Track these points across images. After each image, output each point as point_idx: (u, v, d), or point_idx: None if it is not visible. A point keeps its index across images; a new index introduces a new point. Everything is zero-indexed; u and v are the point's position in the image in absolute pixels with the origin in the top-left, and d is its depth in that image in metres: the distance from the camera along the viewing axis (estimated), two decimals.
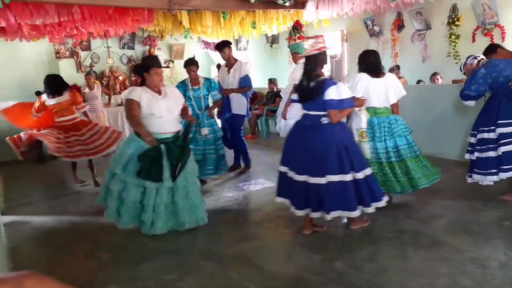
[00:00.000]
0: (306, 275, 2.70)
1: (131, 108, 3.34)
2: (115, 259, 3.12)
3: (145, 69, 3.45)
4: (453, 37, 6.63)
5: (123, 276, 2.81)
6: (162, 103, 3.39)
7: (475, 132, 3.86)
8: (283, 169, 3.30)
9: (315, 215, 3.16)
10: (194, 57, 5.38)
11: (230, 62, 5.44)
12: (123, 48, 8.79)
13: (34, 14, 4.97)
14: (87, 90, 7.22)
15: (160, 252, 3.22)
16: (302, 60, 5.30)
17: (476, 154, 3.80)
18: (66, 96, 5.02)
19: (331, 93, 3.03)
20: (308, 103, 3.17)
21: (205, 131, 4.78)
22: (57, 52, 7.98)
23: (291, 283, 2.63)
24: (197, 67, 4.92)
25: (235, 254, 3.08)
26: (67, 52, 8.06)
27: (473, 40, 6.44)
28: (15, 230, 3.85)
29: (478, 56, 4.05)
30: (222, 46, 5.38)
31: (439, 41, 6.92)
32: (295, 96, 3.40)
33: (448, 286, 2.46)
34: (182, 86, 4.89)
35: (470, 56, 4.16)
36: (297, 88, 3.34)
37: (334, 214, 3.08)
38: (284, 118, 5.09)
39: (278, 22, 7.35)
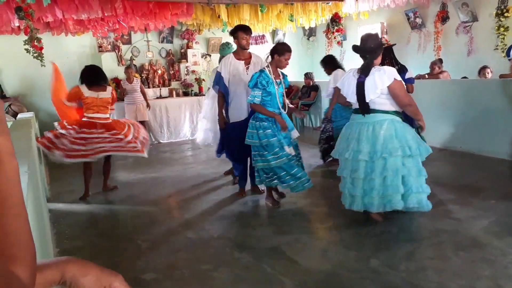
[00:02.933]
0: (341, 271, 2.68)
1: None
2: (153, 247, 3.22)
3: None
4: (502, 29, 6.29)
5: (161, 265, 2.89)
6: None
7: None
8: None
9: None
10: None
11: (247, 55, 4.17)
12: (162, 42, 8.97)
13: (79, 9, 5.17)
14: (128, 85, 7.42)
15: (196, 242, 3.29)
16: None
17: None
18: (108, 93, 4.58)
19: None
20: None
21: (296, 133, 3.82)
22: (100, 46, 8.26)
23: (325, 279, 2.62)
24: None
25: (269, 248, 3.10)
26: (109, 46, 8.33)
27: None
28: (60, 217, 4.06)
29: None
30: (249, 30, 4.08)
31: (486, 34, 6.59)
32: None
33: None
34: (264, 77, 3.60)
35: None
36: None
37: None
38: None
39: (317, 15, 7.26)
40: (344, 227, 3.42)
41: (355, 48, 3.39)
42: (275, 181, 3.80)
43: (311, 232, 3.35)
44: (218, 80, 4.13)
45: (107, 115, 4.61)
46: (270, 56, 3.74)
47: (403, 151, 3.16)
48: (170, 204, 4.43)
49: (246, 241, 3.24)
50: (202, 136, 5.34)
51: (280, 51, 3.62)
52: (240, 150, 4.08)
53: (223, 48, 4.88)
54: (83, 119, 4.52)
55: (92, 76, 4.52)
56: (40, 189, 3.16)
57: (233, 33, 4.09)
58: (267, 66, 3.70)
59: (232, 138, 4.18)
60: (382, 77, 3.18)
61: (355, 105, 3.39)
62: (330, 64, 5.35)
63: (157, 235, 3.48)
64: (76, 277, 0.67)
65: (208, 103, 5.11)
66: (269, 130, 3.64)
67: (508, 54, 3.88)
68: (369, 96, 3.23)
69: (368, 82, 3.22)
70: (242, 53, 4.11)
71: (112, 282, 0.70)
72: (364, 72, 3.26)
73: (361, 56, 3.34)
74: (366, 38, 3.34)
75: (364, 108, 3.28)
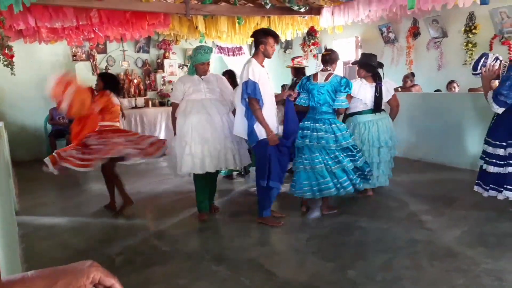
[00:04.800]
0: (319, 283, 2.68)
1: None
2: (128, 261, 3.14)
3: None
4: (470, 45, 6.55)
5: (136, 280, 2.82)
6: None
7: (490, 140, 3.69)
8: None
9: None
10: None
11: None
12: (138, 51, 8.89)
13: (53, 17, 5.07)
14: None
15: (172, 255, 3.23)
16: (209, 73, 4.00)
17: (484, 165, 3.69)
18: (118, 100, 4.48)
19: None
20: None
21: None
22: (74, 55, 8.10)
23: None
24: None
25: (247, 260, 3.07)
26: (84, 55, 8.19)
27: (490, 49, 6.35)
28: (29, 231, 3.90)
29: (500, 56, 3.68)
30: (279, 38, 3.76)
31: (455, 49, 6.85)
32: None
33: None
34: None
35: (486, 54, 3.72)
36: None
37: None
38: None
39: (293, 28, 7.37)
40: (322, 238, 3.43)
41: (370, 64, 4.22)
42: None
43: (289, 243, 3.35)
44: (254, 89, 3.43)
45: (119, 123, 4.50)
46: (334, 64, 3.98)
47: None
48: (145, 217, 4.34)
49: (223, 253, 3.21)
50: (188, 163, 3.78)
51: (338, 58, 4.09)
52: (286, 166, 3.86)
53: (205, 52, 3.78)
54: (103, 127, 4.28)
55: (117, 85, 4.48)
56: (9, 202, 3.04)
57: (260, 37, 3.54)
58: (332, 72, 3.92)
59: (274, 156, 3.62)
60: (391, 86, 4.37)
61: (365, 106, 4.21)
62: (234, 79, 5.20)
63: (132, 249, 3.40)
64: None
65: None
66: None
67: (475, 69, 3.86)
68: (385, 99, 4.25)
69: (383, 88, 4.18)
70: (261, 60, 3.64)
71: (84, 281, 0.68)
72: (380, 80, 4.21)
73: (371, 68, 4.22)
74: (375, 56, 4.33)
75: (380, 107, 4.21)
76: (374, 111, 4.22)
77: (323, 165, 3.74)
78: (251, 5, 7.35)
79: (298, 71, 5.31)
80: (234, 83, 4.96)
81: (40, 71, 7.81)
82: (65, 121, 7.49)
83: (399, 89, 6.87)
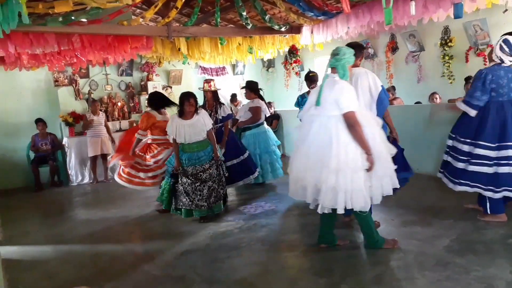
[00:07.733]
0: None
1: None
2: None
3: None
4: (447, 57, 6.75)
5: None
6: None
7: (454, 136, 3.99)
8: None
9: None
10: None
11: None
12: (121, 75, 8.88)
13: (34, 43, 5.03)
14: (94, 117, 7.46)
15: (163, 279, 3.17)
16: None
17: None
18: (168, 116, 5.01)
19: None
20: None
21: None
22: (56, 80, 8.04)
23: None
24: None
25: (239, 280, 3.03)
26: (66, 80, 8.13)
27: (466, 61, 6.57)
28: (13, 261, 3.79)
29: None
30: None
31: (433, 62, 7.04)
32: None
33: None
34: None
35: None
36: None
37: None
38: None
39: (274, 47, 7.49)
40: (313, 253, 3.42)
41: (256, 88, 5.86)
42: None
43: (281, 261, 3.32)
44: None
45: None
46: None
47: None
48: (133, 241, 4.27)
49: (214, 275, 3.16)
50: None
51: None
52: None
53: (352, 55, 3.25)
54: (152, 142, 5.07)
55: (161, 101, 5.08)
56: None
57: (358, 49, 3.63)
58: None
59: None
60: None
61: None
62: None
63: (121, 274, 3.32)
64: None
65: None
66: None
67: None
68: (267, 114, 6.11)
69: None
70: None
71: None
72: (263, 99, 5.98)
73: (257, 91, 5.86)
74: (257, 82, 5.90)
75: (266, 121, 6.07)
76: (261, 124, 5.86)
77: None
78: (232, 26, 7.47)
79: (215, 94, 5.45)
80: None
81: (22, 97, 7.73)
82: (48, 148, 7.38)
83: None
